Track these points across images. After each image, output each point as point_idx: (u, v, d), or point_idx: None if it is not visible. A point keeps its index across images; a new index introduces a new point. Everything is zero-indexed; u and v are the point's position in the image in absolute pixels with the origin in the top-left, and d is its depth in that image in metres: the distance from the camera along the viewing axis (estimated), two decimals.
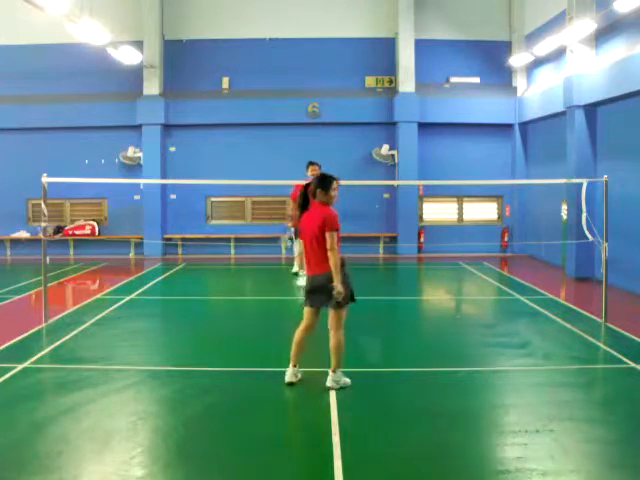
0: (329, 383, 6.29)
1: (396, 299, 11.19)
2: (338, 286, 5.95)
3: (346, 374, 6.44)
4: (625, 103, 11.92)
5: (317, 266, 6.16)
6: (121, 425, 5.46)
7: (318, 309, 6.35)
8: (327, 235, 6.02)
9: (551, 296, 11.29)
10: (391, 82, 17.73)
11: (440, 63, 17.70)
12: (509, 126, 17.75)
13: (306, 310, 6.37)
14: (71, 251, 17.72)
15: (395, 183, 17.33)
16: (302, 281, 11.97)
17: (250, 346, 8.16)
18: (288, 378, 6.45)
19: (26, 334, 8.52)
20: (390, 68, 17.74)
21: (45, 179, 9.12)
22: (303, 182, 11.64)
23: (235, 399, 6.20)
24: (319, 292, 6.15)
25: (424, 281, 15.00)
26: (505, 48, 17.73)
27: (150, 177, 16.90)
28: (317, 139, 17.42)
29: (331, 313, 6.21)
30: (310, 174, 11.69)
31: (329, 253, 6.01)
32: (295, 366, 6.49)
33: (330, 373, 6.32)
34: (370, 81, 17.81)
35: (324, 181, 6.24)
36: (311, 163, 11.84)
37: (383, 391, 6.28)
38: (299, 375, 6.53)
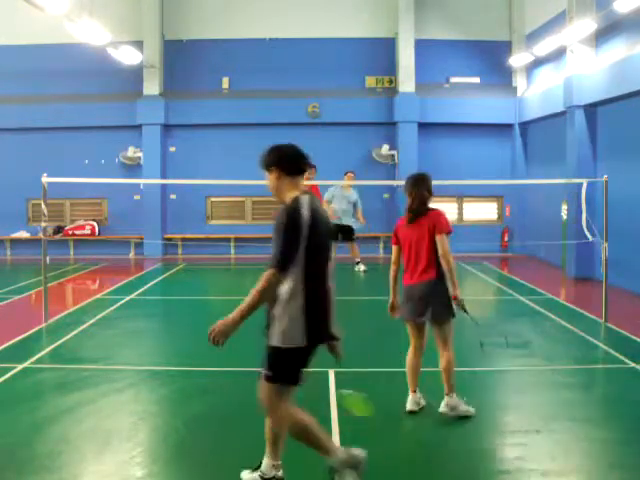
0: (442, 409, 5.60)
1: None
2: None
3: (347, 374, 6.41)
4: (625, 103, 11.91)
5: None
6: (121, 425, 5.46)
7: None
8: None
9: (551, 296, 11.28)
10: (391, 82, 17.72)
11: (440, 63, 17.68)
12: (509, 126, 17.73)
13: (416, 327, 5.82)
14: (71, 251, 17.72)
15: (395, 183, 17.31)
16: None
17: (251, 346, 8.12)
18: (410, 406, 5.75)
19: (26, 334, 8.53)
20: (390, 68, 17.73)
21: (45, 179, 9.12)
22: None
23: (235, 399, 6.20)
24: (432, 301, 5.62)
25: None
26: (505, 48, 17.71)
27: (150, 177, 16.88)
28: (317, 139, 17.36)
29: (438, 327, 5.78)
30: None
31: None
32: (415, 392, 5.82)
33: (445, 398, 5.63)
34: (370, 81, 17.80)
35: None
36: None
37: (383, 391, 6.27)
38: (422, 402, 5.83)
